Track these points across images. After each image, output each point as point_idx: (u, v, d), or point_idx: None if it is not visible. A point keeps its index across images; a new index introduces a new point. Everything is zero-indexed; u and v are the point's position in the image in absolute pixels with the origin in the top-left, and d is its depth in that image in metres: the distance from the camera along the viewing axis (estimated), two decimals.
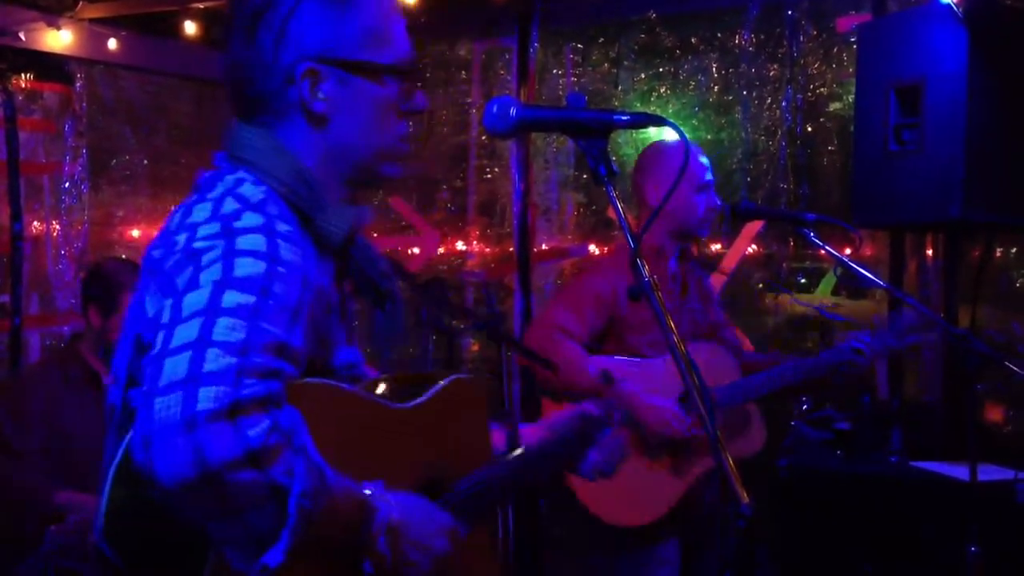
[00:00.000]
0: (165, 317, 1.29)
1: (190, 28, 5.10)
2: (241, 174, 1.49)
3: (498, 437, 1.97)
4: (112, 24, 5.04)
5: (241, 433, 1.19)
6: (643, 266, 1.47)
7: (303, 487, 1.23)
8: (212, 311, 1.26)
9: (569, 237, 5.37)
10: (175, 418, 1.18)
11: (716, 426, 1.38)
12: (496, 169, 5.47)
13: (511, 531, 3.81)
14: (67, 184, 5.32)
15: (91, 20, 4.94)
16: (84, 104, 5.35)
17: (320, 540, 1.32)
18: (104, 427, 3.54)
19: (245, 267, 1.31)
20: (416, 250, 5.59)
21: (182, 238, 1.38)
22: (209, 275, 1.30)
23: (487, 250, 5.58)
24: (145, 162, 5.86)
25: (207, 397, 1.18)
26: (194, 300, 1.27)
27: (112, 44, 5.07)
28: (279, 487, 1.22)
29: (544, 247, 5.29)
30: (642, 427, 2.98)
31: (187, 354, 1.22)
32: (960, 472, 3.26)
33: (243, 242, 1.34)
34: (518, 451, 1.94)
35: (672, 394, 3.04)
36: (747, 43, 4.89)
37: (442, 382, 1.72)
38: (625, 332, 3.13)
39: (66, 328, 5.11)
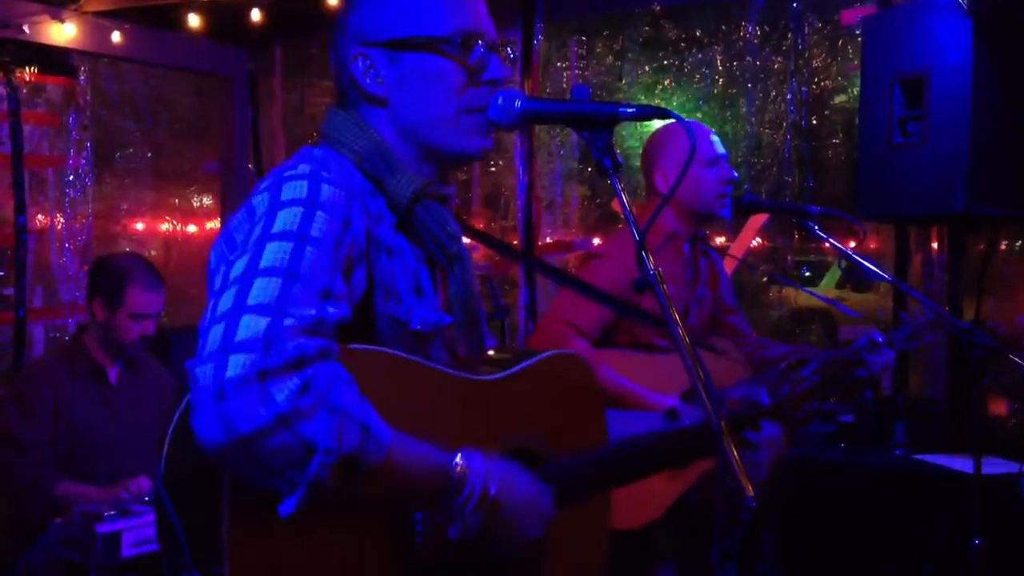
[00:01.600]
0: (217, 283, 1.37)
1: (194, 21, 5.09)
2: (318, 148, 1.59)
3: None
4: (115, 17, 5.04)
5: (268, 398, 1.22)
6: (648, 259, 1.46)
7: (327, 445, 1.24)
8: (250, 272, 1.32)
9: (573, 230, 5.37)
10: (208, 388, 1.23)
11: (721, 419, 1.38)
12: (500, 162, 5.46)
13: None
14: (71, 177, 5.32)
15: (94, 13, 4.94)
16: (88, 97, 5.36)
17: (370, 497, 1.35)
18: (109, 419, 3.53)
19: (284, 217, 1.38)
20: None
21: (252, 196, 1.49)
22: (254, 234, 1.38)
23: None
24: (149, 155, 5.88)
25: (236, 364, 1.23)
26: (238, 265, 1.34)
27: (116, 37, 5.07)
28: (311, 445, 1.24)
29: (548, 240, 5.29)
30: None
31: (223, 324, 1.27)
32: (964, 465, 3.25)
33: (287, 190, 1.42)
34: (644, 433, 1.86)
35: (679, 388, 3.01)
36: (751, 36, 4.88)
37: (537, 357, 1.68)
38: (637, 323, 3.02)
39: (70, 321, 5.12)
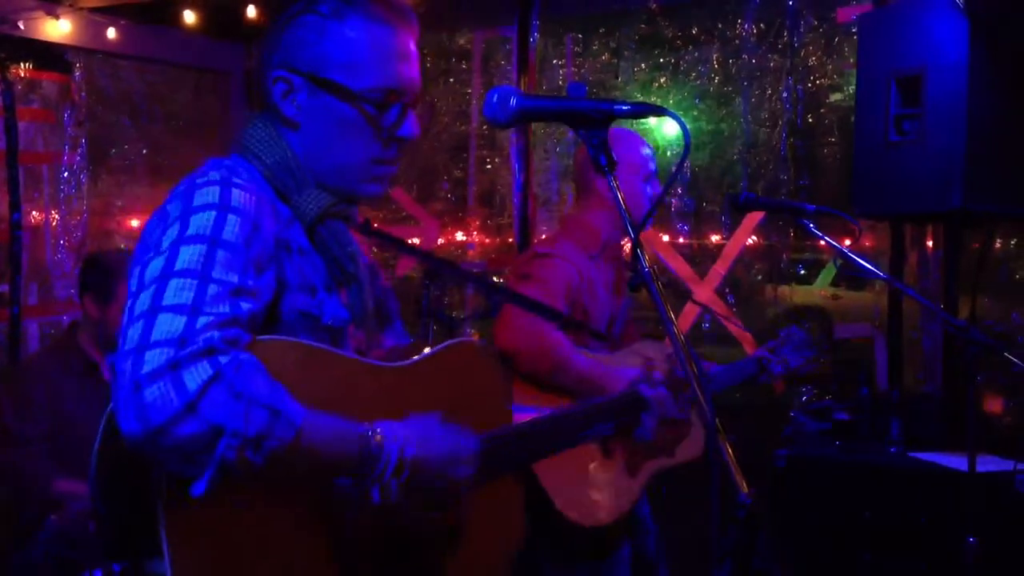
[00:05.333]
0: (133, 284, 1.44)
1: (189, 17, 5.08)
2: (231, 157, 1.66)
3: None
4: (111, 13, 5.03)
5: (180, 385, 1.29)
6: (643, 257, 1.47)
7: (233, 428, 1.31)
8: (165, 274, 1.39)
9: None
10: (126, 383, 1.30)
11: (715, 414, 1.38)
12: (496, 159, 5.46)
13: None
14: (66, 174, 5.31)
15: (90, 9, 4.93)
16: (83, 93, 5.34)
17: (291, 475, 1.41)
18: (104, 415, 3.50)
19: (197, 221, 1.45)
20: (416, 240, 5.59)
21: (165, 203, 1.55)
22: (168, 237, 1.45)
23: (487, 240, 5.58)
24: (144, 151, 5.86)
25: (151, 359, 1.30)
26: (153, 266, 1.41)
27: (111, 33, 5.06)
28: (219, 429, 1.31)
29: (543, 237, 5.29)
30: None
31: (140, 323, 1.35)
32: (959, 463, 3.26)
33: (199, 196, 1.49)
34: (548, 414, 1.94)
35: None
36: (748, 34, 4.89)
37: (441, 345, 1.75)
38: (575, 326, 2.94)
39: (65, 317, 5.11)
